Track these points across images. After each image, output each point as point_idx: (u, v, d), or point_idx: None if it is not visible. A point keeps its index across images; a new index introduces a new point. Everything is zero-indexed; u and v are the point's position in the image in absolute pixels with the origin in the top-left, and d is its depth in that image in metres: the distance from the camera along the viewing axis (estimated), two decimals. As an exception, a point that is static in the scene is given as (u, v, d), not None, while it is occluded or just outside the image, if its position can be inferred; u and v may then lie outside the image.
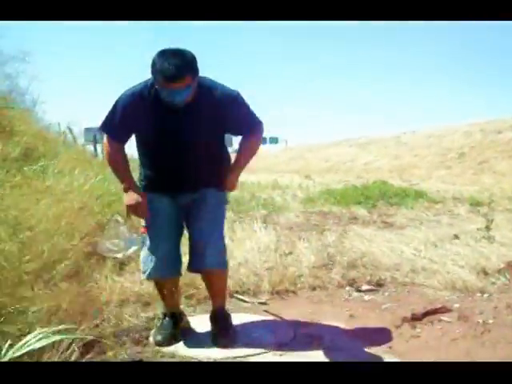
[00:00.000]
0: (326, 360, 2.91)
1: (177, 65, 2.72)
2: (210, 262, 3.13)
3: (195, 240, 3.17)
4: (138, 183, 3.21)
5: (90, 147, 15.00)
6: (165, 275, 3.22)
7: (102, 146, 3.29)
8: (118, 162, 3.16)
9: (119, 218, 5.17)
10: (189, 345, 3.17)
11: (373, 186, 12.11)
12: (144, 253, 3.18)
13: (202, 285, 3.97)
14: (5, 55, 9.06)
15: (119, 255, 4.64)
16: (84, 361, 2.44)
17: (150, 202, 3.11)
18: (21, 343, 1.72)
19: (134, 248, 4.77)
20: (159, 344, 3.13)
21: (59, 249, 3.72)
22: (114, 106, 3.02)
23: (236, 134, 3.32)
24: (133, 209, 3.10)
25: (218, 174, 3.24)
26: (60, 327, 2.18)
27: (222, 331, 3.26)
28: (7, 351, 1.80)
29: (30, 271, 3.05)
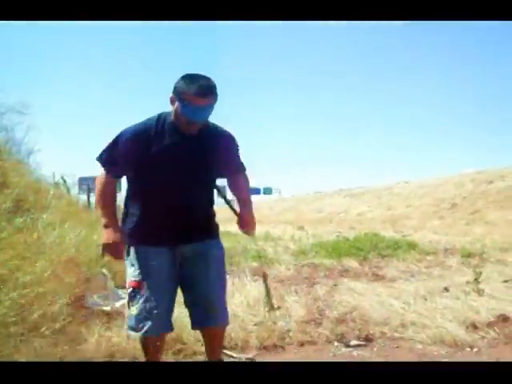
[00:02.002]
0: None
1: (208, 83, 2.92)
2: (224, 318, 3.19)
3: (207, 296, 3.11)
4: (127, 236, 3.09)
5: (84, 197, 15.02)
6: (162, 331, 3.15)
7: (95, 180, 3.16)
8: (106, 196, 3.10)
9: (106, 272, 5.17)
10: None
11: (364, 238, 12.14)
12: (138, 309, 3.00)
13: (188, 339, 3.96)
14: (3, 106, 9.14)
15: (107, 308, 4.62)
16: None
17: (145, 256, 3.02)
18: None
19: (121, 302, 4.77)
20: None
21: (45, 305, 3.70)
22: (115, 140, 3.02)
23: (229, 171, 3.29)
24: (109, 249, 3.01)
25: (214, 223, 3.29)
26: None
27: None
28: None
29: (14, 332, 3.03)
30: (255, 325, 4.47)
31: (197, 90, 2.85)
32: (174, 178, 3.01)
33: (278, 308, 5.12)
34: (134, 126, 3.05)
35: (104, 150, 3.06)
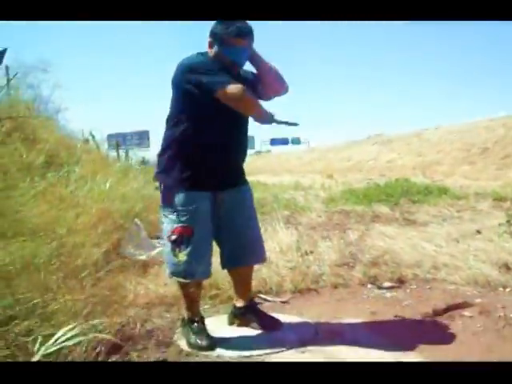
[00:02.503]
0: (348, 356, 2.93)
1: (246, 25, 2.98)
2: (263, 256, 3.44)
3: (248, 237, 3.27)
4: (173, 182, 3.10)
5: (113, 153, 15.13)
6: (208, 276, 3.25)
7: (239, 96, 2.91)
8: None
9: (139, 222, 5.25)
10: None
11: (395, 184, 12.08)
12: (187, 255, 3.03)
13: (224, 285, 4.02)
14: (27, 66, 9.21)
15: (142, 257, 4.71)
16: (92, 361, 2.47)
17: (192, 202, 3.04)
18: (51, 342, 1.75)
19: (156, 250, 4.85)
20: (208, 349, 3.05)
21: (84, 254, 3.78)
22: (196, 68, 2.95)
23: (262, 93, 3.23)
24: None
25: (243, 170, 3.38)
26: (87, 325, 2.22)
27: (269, 316, 3.44)
28: (38, 350, 1.84)
29: (57, 278, 3.10)
30: (289, 269, 4.51)
31: (237, 32, 2.91)
32: (222, 121, 3.03)
33: (311, 253, 5.16)
34: (189, 60, 3.04)
35: (207, 79, 2.90)
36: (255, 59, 3.11)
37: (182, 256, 3.05)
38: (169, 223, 3.11)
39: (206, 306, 3.73)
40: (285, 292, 4.20)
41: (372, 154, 30.96)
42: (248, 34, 2.97)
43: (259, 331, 3.36)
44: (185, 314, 3.30)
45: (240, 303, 3.48)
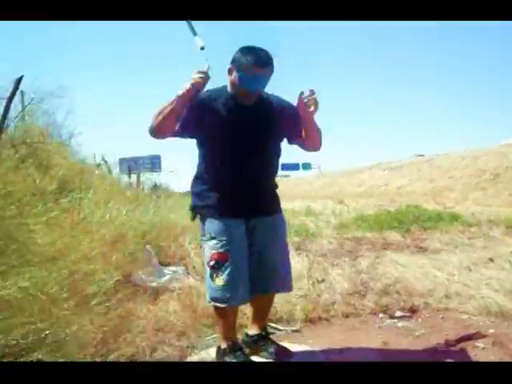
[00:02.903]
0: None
1: (266, 54, 3.00)
2: (289, 285, 3.44)
3: (276, 264, 3.30)
4: (204, 210, 3.21)
5: (125, 177, 15.22)
6: (245, 301, 3.28)
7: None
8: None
9: (150, 248, 5.26)
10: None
11: (406, 210, 12.04)
12: (224, 280, 3.08)
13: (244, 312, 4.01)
14: (43, 91, 9.34)
15: (153, 284, 4.70)
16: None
17: (226, 229, 3.10)
18: None
19: (166, 277, 4.86)
20: None
21: (96, 283, 3.78)
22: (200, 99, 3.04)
23: (295, 137, 3.29)
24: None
25: (277, 195, 3.43)
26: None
27: (280, 346, 3.43)
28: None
29: (67, 307, 3.10)
30: (300, 297, 4.50)
31: (255, 60, 2.94)
32: (237, 148, 3.09)
33: (322, 281, 5.14)
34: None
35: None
36: (305, 120, 3.15)
37: (219, 281, 3.10)
38: (207, 250, 3.17)
39: (214, 335, 3.71)
40: (296, 320, 4.18)
41: (383, 180, 30.99)
42: (267, 62, 2.99)
43: (269, 360, 3.34)
44: (221, 343, 3.29)
45: (253, 331, 3.50)
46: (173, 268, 5.40)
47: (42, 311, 2.81)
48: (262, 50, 2.99)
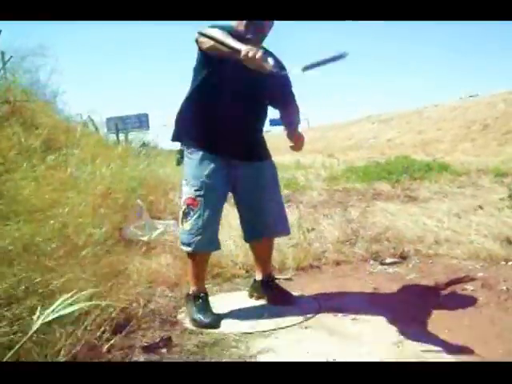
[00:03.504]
0: (351, 331, 2.94)
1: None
2: (285, 229, 3.47)
3: (267, 211, 3.30)
4: (187, 142, 3.24)
5: (112, 136, 15.10)
6: (213, 248, 3.30)
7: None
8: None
9: (141, 202, 5.25)
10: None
11: (395, 162, 12.06)
12: (190, 224, 3.13)
13: (227, 264, 4.05)
14: (24, 50, 9.19)
15: (144, 238, 4.71)
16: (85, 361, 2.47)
17: (203, 174, 3.12)
18: (49, 310, 1.73)
19: (157, 231, 4.86)
20: (211, 326, 3.07)
21: (86, 235, 3.78)
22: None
23: (282, 103, 3.37)
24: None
25: (266, 145, 3.44)
26: (88, 292, 2.20)
27: (283, 291, 3.52)
28: (38, 319, 1.83)
29: (57, 257, 3.11)
30: (291, 247, 4.52)
31: (247, 22, 2.99)
32: (230, 92, 3.07)
33: (313, 229, 5.17)
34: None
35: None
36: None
37: (187, 226, 3.15)
38: (183, 195, 3.21)
39: (208, 285, 3.74)
40: (287, 269, 4.21)
41: (372, 133, 30.92)
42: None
43: (266, 307, 3.40)
44: (190, 289, 3.32)
45: (258, 277, 3.55)
46: (164, 222, 5.41)
47: (32, 262, 2.81)
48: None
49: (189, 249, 3.17)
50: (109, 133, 15.35)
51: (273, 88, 3.13)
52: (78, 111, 12.75)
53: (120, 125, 17.81)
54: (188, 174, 3.20)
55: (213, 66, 3.04)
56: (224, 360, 2.63)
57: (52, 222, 3.44)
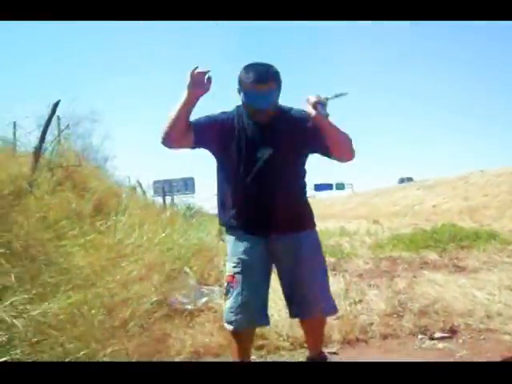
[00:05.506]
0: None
1: (265, 69, 2.95)
2: (326, 308, 3.19)
3: (307, 288, 3.08)
4: (225, 221, 3.20)
5: (159, 200, 15.35)
6: (255, 325, 3.23)
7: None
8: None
9: (188, 270, 5.26)
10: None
11: (442, 229, 11.89)
12: (231, 302, 3.05)
13: (270, 335, 3.99)
14: (77, 117, 9.53)
15: (189, 306, 4.70)
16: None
17: (240, 251, 3.07)
18: None
19: (204, 299, 4.85)
20: None
21: (133, 306, 3.79)
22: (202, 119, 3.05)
23: (323, 147, 3.05)
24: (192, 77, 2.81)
25: (307, 212, 3.27)
26: None
27: None
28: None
29: (104, 328, 3.12)
30: (337, 318, 4.44)
31: (255, 77, 2.89)
32: (253, 167, 3.01)
33: (360, 301, 5.09)
34: (214, 115, 3.09)
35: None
36: (325, 127, 2.94)
37: (228, 304, 3.09)
38: (226, 272, 3.19)
39: (252, 357, 3.68)
40: (333, 342, 4.13)
41: (417, 199, 30.68)
42: (267, 78, 2.91)
43: None
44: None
45: (308, 353, 3.45)
46: (209, 287, 5.40)
47: (80, 332, 2.83)
48: (263, 65, 2.96)
49: (230, 327, 3.09)
50: (155, 195, 15.61)
51: (296, 136, 3.01)
52: (127, 174, 13.03)
53: (166, 188, 18.11)
54: (228, 251, 3.19)
55: (218, 153, 3.11)
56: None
57: (100, 290, 3.47)
